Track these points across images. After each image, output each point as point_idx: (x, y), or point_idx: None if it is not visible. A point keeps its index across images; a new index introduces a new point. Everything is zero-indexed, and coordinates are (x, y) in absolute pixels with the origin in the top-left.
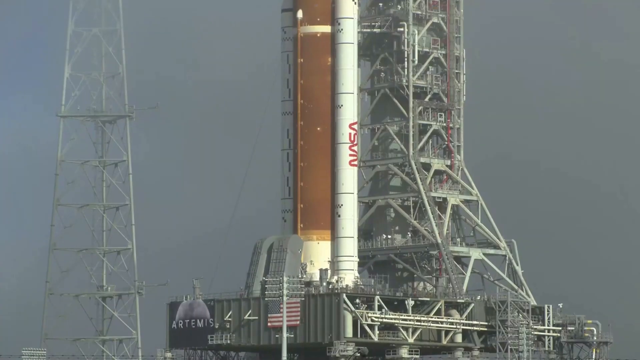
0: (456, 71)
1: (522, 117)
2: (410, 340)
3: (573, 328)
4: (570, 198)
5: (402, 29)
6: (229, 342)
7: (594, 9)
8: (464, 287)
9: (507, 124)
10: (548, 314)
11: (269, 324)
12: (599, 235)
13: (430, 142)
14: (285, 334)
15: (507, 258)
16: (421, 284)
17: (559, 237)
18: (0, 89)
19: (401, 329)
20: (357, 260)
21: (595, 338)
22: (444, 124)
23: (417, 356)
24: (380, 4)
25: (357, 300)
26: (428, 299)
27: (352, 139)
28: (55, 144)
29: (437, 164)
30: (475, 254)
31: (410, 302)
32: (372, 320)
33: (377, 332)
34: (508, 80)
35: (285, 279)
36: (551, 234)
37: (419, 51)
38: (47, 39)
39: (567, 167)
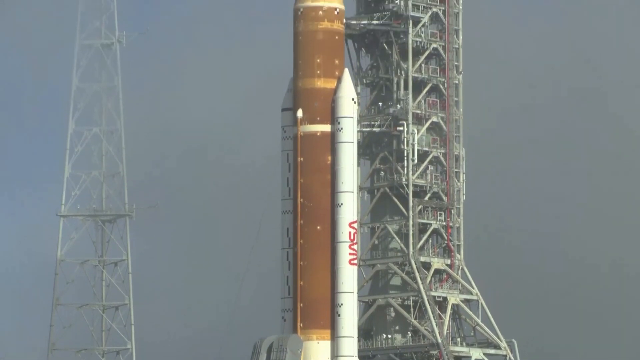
0: (456, 170)
1: (522, 218)
2: None
3: None
4: (572, 298)
5: (401, 128)
6: None
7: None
8: None
9: (507, 224)
10: None
11: None
12: (602, 336)
13: (430, 241)
14: None
15: (507, 358)
16: None
17: (560, 339)
18: (0, 188)
19: None
20: None
21: None
22: (444, 223)
23: None
24: (380, 103)
25: None
26: None
27: (352, 237)
28: (55, 243)
29: (437, 263)
30: (476, 353)
31: None
32: None
33: None
34: (508, 180)
35: None
36: (552, 335)
37: (418, 150)
38: (48, 138)
39: (571, 266)
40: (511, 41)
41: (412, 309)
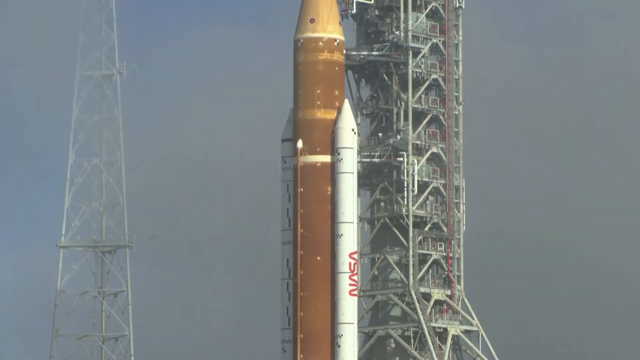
0: (456, 201)
1: (523, 249)
2: None
3: None
4: (573, 327)
5: (401, 159)
6: None
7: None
8: None
9: (507, 255)
10: None
11: None
12: None
13: (430, 271)
14: None
15: None
16: None
17: None
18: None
19: None
20: None
21: None
22: (444, 254)
23: None
24: (380, 134)
25: None
26: None
27: (352, 268)
28: (55, 274)
29: (437, 293)
30: None
31: None
32: None
33: None
34: (508, 211)
35: None
36: None
37: (418, 181)
38: (47, 170)
39: (574, 295)
40: (511, 72)
41: (412, 340)
